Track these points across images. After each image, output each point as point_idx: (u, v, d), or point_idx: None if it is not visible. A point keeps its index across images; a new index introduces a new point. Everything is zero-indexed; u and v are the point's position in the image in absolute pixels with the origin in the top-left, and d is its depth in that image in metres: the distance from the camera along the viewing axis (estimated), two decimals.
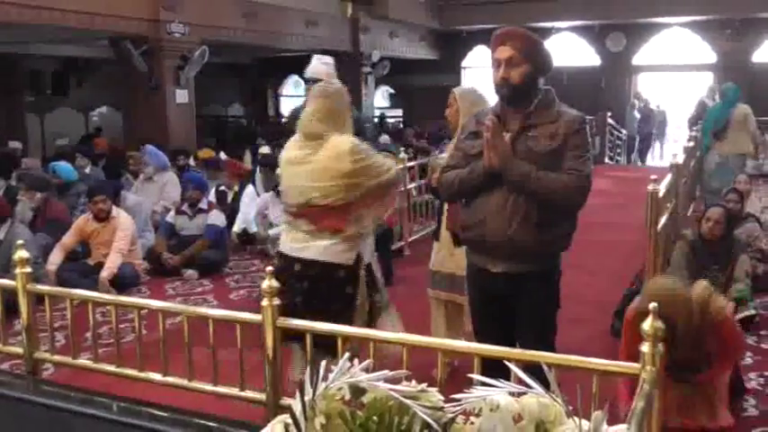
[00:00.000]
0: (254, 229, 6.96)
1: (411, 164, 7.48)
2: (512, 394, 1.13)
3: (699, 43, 15.38)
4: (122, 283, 5.63)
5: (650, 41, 15.86)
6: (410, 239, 7.00)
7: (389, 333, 2.09)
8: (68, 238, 5.82)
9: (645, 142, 15.30)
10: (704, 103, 10.32)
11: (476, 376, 1.21)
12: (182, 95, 9.93)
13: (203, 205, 6.51)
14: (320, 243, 3.11)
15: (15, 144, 10.01)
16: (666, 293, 2.85)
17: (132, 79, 9.77)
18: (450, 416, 1.13)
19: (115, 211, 5.90)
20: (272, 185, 7.22)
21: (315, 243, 3.12)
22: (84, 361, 2.80)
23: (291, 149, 3.27)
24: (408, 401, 1.10)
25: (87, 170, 8.27)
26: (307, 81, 4.34)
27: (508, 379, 1.19)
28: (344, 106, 3.29)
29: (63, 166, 7.43)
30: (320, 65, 4.30)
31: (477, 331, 2.88)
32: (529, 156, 2.59)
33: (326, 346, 2.26)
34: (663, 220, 4.34)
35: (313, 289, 3.12)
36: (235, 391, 2.52)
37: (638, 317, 2.60)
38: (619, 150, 15.34)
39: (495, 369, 1.51)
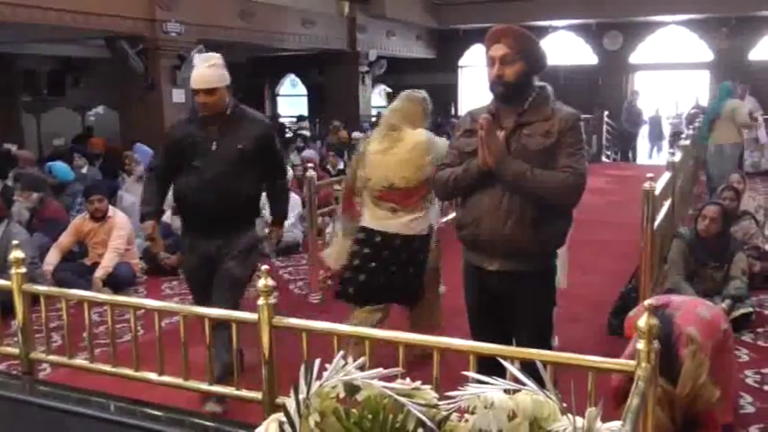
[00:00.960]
0: None
1: None
2: (506, 392, 1.13)
3: (695, 42, 15.40)
4: (119, 282, 5.63)
5: (647, 40, 15.87)
6: None
7: (385, 331, 2.09)
8: (65, 239, 5.81)
9: (631, 141, 15.18)
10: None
11: (470, 374, 1.21)
12: (178, 95, 9.91)
13: None
14: (400, 220, 3.76)
15: (11, 146, 9.97)
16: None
17: (128, 79, 9.76)
18: (445, 413, 1.13)
19: (112, 210, 5.90)
20: None
21: (395, 220, 3.76)
22: (80, 361, 2.80)
23: (374, 142, 3.86)
24: (402, 399, 1.10)
25: (84, 170, 8.26)
26: (196, 92, 3.47)
27: (504, 376, 1.19)
28: (423, 110, 3.91)
29: (59, 166, 7.44)
30: (207, 70, 3.43)
31: (473, 329, 2.88)
32: (523, 153, 2.58)
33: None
34: (659, 218, 4.35)
35: (393, 257, 3.78)
36: (231, 390, 2.52)
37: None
38: (616, 149, 15.34)
39: (492, 367, 1.51)
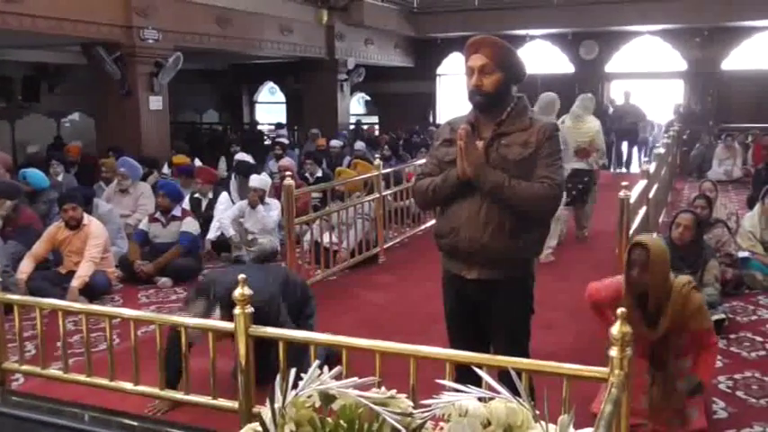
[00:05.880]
0: (230, 232, 6.87)
1: (386, 170, 7.47)
2: (481, 399, 1.14)
3: (669, 51, 15.63)
4: (94, 290, 5.56)
5: (622, 49, 16.07)
6: (385, 246, 7.01)
7: (361, 340, 2.09)
8: (39, 247, 5.72)
9: (608, 149, 15.29)
10: None
11: (446, 382, 1.22)
12: (155, 102, 9.85)
13: (177, 212, 6.46)
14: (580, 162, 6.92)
15: None
16: (655, 245, 3.20)
17: (105, 86, 9.66)
18: (420, 421, 1.14)
19: (87, 218, 5.82)
20: (247, 192, 7.18)
21: (578, 163, 6.98)
22: (54, 371, 2.77)
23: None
24: (377, 408, 1.11)
25: (60, 177, 8.17)
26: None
27: (481, 382, 1.20)
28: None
29: (34, 173, 7.32)
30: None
31: (451, 336, 2.89)
32: (502, 163, 2.61)
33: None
34: (634, 225, 4.40)
35: (583, 186, 7.10)
36: (207, 399, 2.51)
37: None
38: None
39: (470, 374, 1.52)
